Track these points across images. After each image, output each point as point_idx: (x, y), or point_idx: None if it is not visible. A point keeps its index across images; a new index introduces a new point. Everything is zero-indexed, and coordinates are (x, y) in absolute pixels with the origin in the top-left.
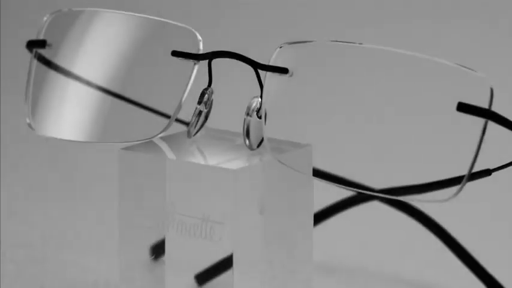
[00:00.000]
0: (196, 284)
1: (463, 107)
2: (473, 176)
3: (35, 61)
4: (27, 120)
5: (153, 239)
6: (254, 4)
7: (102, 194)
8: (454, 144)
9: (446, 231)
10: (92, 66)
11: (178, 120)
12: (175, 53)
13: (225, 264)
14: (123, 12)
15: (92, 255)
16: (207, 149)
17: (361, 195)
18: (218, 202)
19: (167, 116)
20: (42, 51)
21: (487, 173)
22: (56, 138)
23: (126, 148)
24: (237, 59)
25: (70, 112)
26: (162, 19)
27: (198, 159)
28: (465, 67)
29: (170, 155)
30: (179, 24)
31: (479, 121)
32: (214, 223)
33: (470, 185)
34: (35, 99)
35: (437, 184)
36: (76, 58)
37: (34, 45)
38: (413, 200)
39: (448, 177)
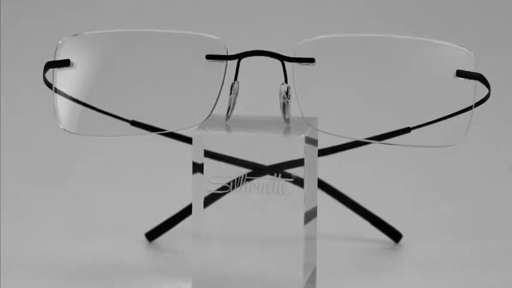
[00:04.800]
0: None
1: (461, 73)
2: (394, 133)
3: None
4: (61, 126)
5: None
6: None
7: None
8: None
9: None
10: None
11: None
12: (209, 57)
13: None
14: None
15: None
16: (253, 126)
17: None
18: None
19: (125, 120)
20: (64, 70)
21: (407, 130)
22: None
23: (200, 130)
24: (265, 56)
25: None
26: (188, 32)
27: (262, 133)
28: (453, 44)
29: (239, 132)
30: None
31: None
32: (286, 181)
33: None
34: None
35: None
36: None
37: (55, 65)
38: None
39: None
